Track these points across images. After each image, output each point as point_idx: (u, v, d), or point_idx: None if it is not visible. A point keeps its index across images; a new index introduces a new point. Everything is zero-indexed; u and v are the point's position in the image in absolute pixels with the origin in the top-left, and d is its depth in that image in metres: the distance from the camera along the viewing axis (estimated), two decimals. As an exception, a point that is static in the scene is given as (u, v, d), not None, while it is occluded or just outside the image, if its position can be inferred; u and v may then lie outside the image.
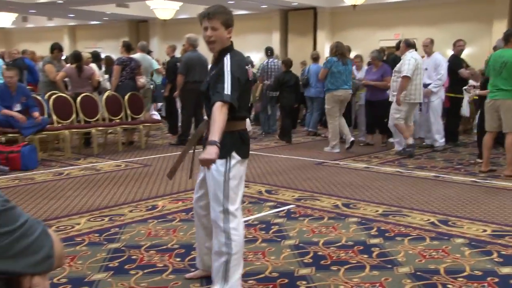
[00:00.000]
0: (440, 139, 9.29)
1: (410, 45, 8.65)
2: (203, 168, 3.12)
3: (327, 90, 9.09)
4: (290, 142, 10.18)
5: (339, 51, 8.95)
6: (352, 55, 11.95)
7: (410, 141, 8.53)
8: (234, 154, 3.10)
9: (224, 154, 3.03)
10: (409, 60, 8.35)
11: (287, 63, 10.66)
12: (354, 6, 14.75)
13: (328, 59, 9.29)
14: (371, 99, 9.52)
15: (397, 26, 17.97)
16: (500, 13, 15.61)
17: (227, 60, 3.07)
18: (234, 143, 3.11)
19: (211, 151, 2.80)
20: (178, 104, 10.40)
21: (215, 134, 2.84)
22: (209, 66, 3.33)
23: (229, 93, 2.95)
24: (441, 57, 9.44)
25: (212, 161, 2.83)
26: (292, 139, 10.34)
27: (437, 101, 9.28)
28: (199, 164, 2.95)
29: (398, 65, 8.73)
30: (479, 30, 16.25)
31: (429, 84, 9.21)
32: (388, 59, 10.23)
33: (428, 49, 9.33)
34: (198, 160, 2.88)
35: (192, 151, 3.41)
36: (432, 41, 9.40)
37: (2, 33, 28.73)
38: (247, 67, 3.20)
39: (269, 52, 11.76)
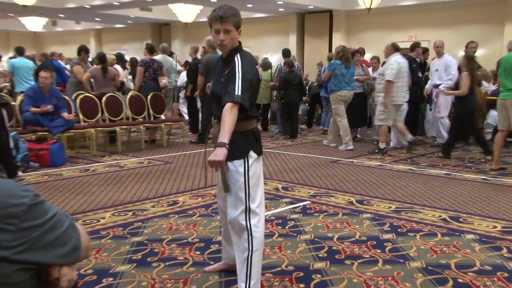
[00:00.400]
0: (446, 134, 9.13)
1: (396, 49, 8.69)
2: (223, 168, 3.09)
3: (331, 91, 9.19)
4: (287, 134, 10.63)
5: (345, 55, 9.07)
6: (367, 56, 11.91)
7: (382, 146, 8.67)
8: (251, 153, 3.05)
9: (241, 154, 3.00)
10: (392, 65, 8.40)
11: (290, 64, 10.79)
12: (369, 9, 14.65)
13: (332, 62, 9.40)
14: None
15: (411, 28, 17.86)
16: (513, 15, 15.45)
17: (237, 60, 2.97)
18: (250, 142, 3.06)
19: (219, 153, 2.73)
20: (199, 104, 10.43)
21: (225, 136, 2.77)
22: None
23: (239, 93, 2.86)
24: (451, 58, 9.34)
25: (220, 163, 2.76)
26: (308, 138, 10.33)
27: (444, 101, 9.13)
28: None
29: (382, 68, 8.84)
30: (491, 32, 16.08)
31: (439, 85, 9.13)
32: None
33: (440, 50, 9.25)
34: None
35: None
36: (443, 43, 9.33)
37: (34, 36, 29.16)
38: (257, 66, 3.12)
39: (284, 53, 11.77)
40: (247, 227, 3.04)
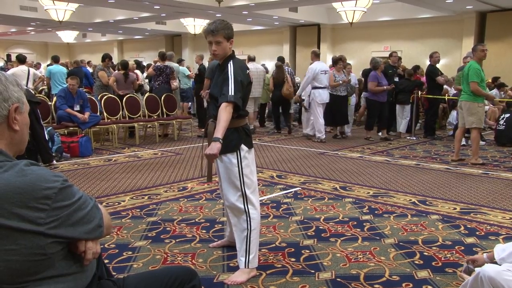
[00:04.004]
0: (318, 134, 9.11)
1: (250, 59, 10.18)
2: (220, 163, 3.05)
3: None
4: (278, 130, 10.84)
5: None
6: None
7: (251, 126, 9.85)
8: (242, 146, 3.02)
9: (234, 148, 2.97)
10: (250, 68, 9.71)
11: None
12: (351, 23, 14.63)
13: None
14: (370, 98, 9.25)
15: (386, 40, 17.87)
16: (468, 31, 15.86)
17: (230, 66, 2.94)
18: (241, 137, 3.02)
19: (213, 147, 2.72)
20: (205, 103, 10.38)
21: (219, 131, 2.74)
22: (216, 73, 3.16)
23: (233, 94, 2.85)
24: (313, 67, 8.93)
25: (215, 155, 2.74)
26: (299, 133, 10.32)
27: (312, 103, 8.93)
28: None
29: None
30: (451, 44, 16.47)
31: (313, 87, 9.00)
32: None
33: (311, 58, 9.11)
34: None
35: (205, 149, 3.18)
36: (312, 52, 9.18)
37: (67, 47, 29.21)
38: (247, 71, 3.07)
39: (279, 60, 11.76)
40: (245, 210, 3.02)
